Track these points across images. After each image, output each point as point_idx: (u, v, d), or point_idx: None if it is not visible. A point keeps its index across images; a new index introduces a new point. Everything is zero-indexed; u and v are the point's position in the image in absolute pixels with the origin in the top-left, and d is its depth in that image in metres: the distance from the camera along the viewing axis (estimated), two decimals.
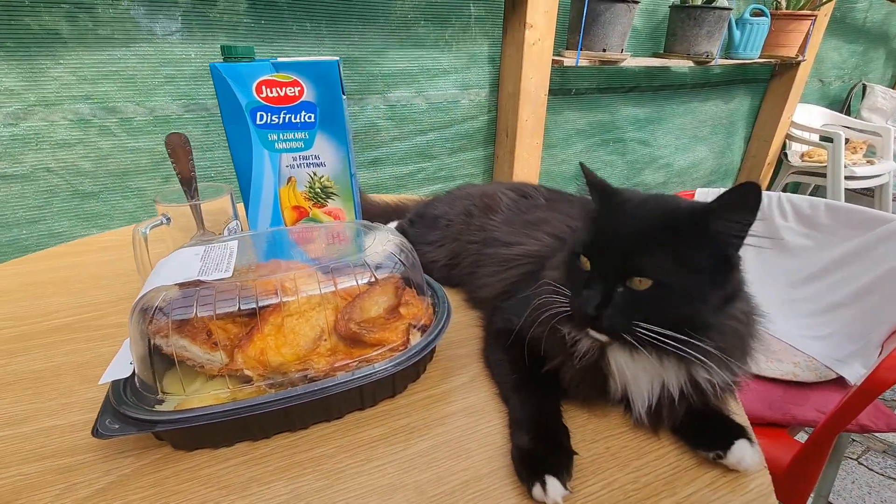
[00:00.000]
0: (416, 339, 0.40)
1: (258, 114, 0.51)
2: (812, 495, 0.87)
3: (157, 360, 0.36)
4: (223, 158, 1.28)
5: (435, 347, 0.41)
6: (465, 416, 0.38)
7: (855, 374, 0.77)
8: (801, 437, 0.96)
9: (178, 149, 0.48)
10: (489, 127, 1.70)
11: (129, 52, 1.15)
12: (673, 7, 1.55)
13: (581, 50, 1.45)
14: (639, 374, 0.36)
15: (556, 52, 1.52)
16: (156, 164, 1.23)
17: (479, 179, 1.77)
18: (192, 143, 1.19)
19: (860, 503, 1.04)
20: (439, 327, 0.41)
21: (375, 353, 0.39)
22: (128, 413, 0.32)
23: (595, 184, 0.39)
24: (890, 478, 1.11)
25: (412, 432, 0.37)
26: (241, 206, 0.56)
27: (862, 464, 1.14)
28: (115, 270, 0.64)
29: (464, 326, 0.49)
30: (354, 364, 0.38)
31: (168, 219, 0.49)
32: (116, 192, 1.23)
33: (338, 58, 0.51)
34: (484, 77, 1.62)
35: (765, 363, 0.83)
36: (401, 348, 0.40)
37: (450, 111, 1.60)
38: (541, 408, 0.37)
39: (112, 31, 1.11)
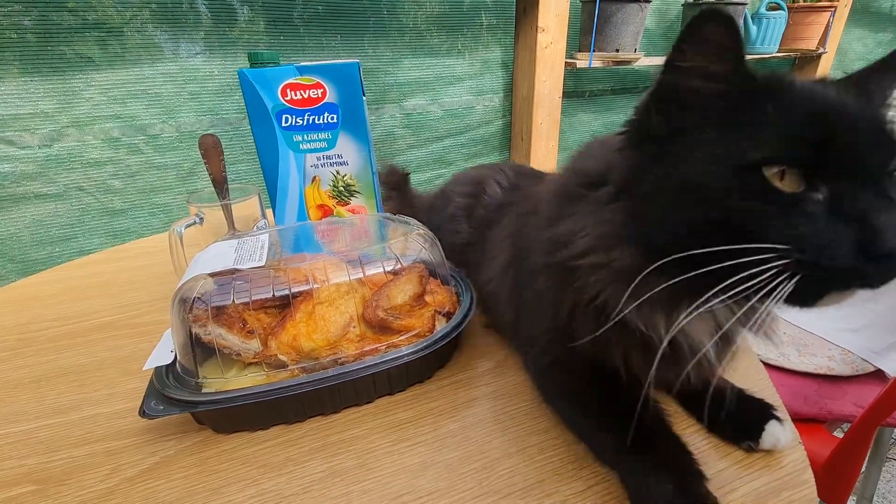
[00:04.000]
0: (441, 325, 0.41)
1: (283, 116, 0.53)
2: (855, 496, 0.84)
3: (197, 348, 0.38)
4: (247, 171, 1.32)
5: (460, 335, 0.42)
6: (492, 400, 0.39)
7: (894, 365, 0.75)
8: (840, 434, 0.93)
9: (211, 150, 0.51)
10: (504, 131, 1.72)
11: (155, 72, 1.20)
12: (686, 5, 1.55)
13: (594, 51, 1.45)
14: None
15: (569, 55, 1.53)
16: (181, 180, 1.28)
17: None
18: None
19: None
20: (464, 314, 0.42)
21: (402, 338, 0.40)
22: (171, 395, 0.34)
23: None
24: None
25: (441, 415, 0.38)
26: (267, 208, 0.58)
27: None
28: (149, 274, 0.67)
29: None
30: (383, 349, 0.39)
31: (201, 218, 0.51)
32: (144, 208, 1.27)
33: (357, 60, 0.53)
34: (497, 82, 1.64)
35: (797, 357, 0.81)
36: (426, 334, 0.40)
37: (465, 117, 1.62)
38: (677, 464, 0.29)
39: (139, 54, 1.16)
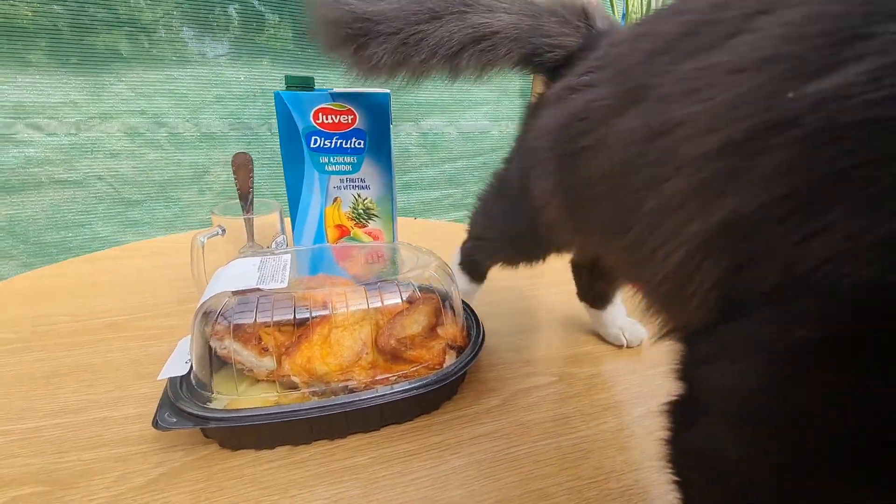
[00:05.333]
0: (451, 359, 0.42)
1: (313, 138, 0.54)
2: None
3: (208, 357, 0.39)
4: (261, 175, 1.34)
5: (468, 369, 0.43)
6: (496, 439, 0.40)
7: None
8: None
9: (242, 167, 0.52)
10: None
11: (184, 73, 1.23)
12: None
13: None
14: None
15: None
16: (197, 177, 1.30)
17: None
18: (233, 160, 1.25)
19: None
20: (475, 350, 0.43)
21: (412, 369, 0.41)
22: (185, 408, 0.34)
23: None
24: None
25: (445, 449, 0.38)
26: (286, 220, 0.59)
27: None
28: (159, 276, 0.68)
29: (493, 351, 0.51)
30: (393, 378, 0.39)
31: (223, 230, 0.52)
32: (159, 201, 1.29)
33: (388, 90, 0.55)
34: (515, 109, 1.67)
35: None
36: (436, 367, 0.41)
37: (480, 141, 1.64)
38: None
39: (167, 52, 1.19)
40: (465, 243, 0.54)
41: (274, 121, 1.34)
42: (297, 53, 1.34)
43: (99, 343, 0.51)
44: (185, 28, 1.20)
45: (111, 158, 1.20)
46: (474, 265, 0.54)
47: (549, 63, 0.39)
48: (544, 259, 0.48)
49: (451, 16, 0.38)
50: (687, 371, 0.21)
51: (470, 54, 0.39)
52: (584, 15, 0.38)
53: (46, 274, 0.69)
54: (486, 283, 0.66)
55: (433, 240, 0.87)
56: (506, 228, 0.48)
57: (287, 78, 0.53)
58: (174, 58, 1.20)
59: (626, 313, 0.54)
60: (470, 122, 1.61)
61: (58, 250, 1.22)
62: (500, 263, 0.51)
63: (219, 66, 1.25)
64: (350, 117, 0.54)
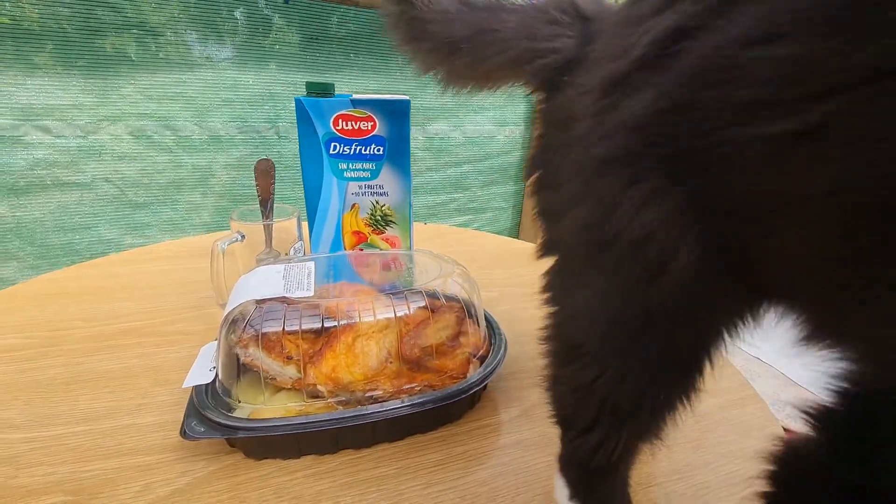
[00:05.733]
0: (475, 368, 0.42)
1: (332, 144, 0.54)
2: None
3: (234, 365, 0.39)
4: None
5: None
6: (521, 449, 0.39)
7: None
8: None
9: (265, 173, 0.52)
10: (522, 163, 1.75)
11: (191, 76, 1.23)
12: None
13: None
14: None
15: None
16: (202, 181, 1.30)
17: (508, 213, 1.80)
18: (242, 163, 1.25)
19: None
20: (497, 358, 0.43)
21: (437, 379, 0.40)
22: (213, 418, 0.34)
23: None
24: None
25: (470, 460, 0.38)
26: (304, 227, 0.59)
27: None
28: (171, 280, 0.68)
29: (513, 359, 0.51)
30: (418, 388, 0.39)
31: (243, 236, 0.52)
32: (165, 203, 1.29)
33: (408, 97, 0.55)
34: (520, 114, 1.67)
35: None
36: (460, 376, 0.41)
37: (485, 146, 1.65)
38: None
39: (175, 55, 1.19)
40: (567, 451, 0.32)
41: (281, 124, 1.35)
42: (303, 57, 1.34)
43: (116, 349, 0.51)
44: (191, 31, 1.20)
45: (118, 161, 1.20)
46: (600, 475, 0.31)
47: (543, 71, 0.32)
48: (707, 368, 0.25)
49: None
50: None
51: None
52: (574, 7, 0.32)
53: (56, 278, 0.69)
54: (506, 289, 0.65)
55: (444, 245, 0.88)
56: (629, 347, 0.26)
57: (308, 84, 0.53)
58: (181, 61, 1.21)
59: None
60: (475, 126, 1.61)
61: (64, 252, 1.21)
62: (642, 437, 0.29)
63: (226, 69, 1.26)
64: (370, 124, 0.54)
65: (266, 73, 1.31)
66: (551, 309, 0.31)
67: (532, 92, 0.34)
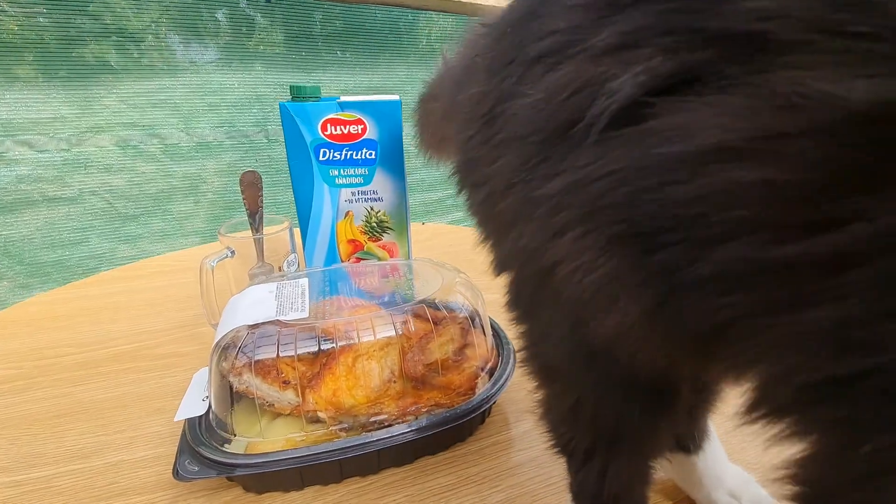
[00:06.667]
0: (483, 383, 0.40)
1: (321, 150, 0.52)
2: None
3: (228, 395, 0.36)
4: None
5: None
6: (534, 468, 0.37)
7: None
8: None
9: (251, 186, 0.50)
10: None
11: (175, 82, 1.20)
12: None
13: None
14: None
15: None
16: (193, 188, 1.27)
17: None
18: (230, 169, 1.22)
19: None
20: (507, 371, 0.40)
21: (444, 396, 0.38)
22: (207, 455, 0.32)
23: None
24: None
25: (483, 482, 0.36)
26: (296, 235, 0.57)
27: None
28: (167, 296, 0.66)
29: (522, 367, 0.49)
30: (425, 408, 0.37)
31: (232, 252, 0.49)
32: (155, 214, 1.26)
33: (398, 97, 0.52)
34: None
35: None
36: (469, 392, 0.39)
37: None
38: None
39: (157, 61, 1.16)
40: (575, 482, 0.29)
41: (270, 127, 1.31)
42: (290, 57, 1.31)
43: (106, 376, 0.49)
44: (173, 35, 1.17)
45: (105, 173, 1.17)
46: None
47: None
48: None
49: None
50: None
51: None
52: None
53: (45, 300, 0.66)
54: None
55: (444, 245, 0.85)
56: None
57: (293, 88, 0.50)
58: (164, 66, 1.17)
59: (727, 460, 0.34)
60: None
61: (55, 269, 1.19)
62: (646, 458, 0.27)
63: (210, 73, 1.22)
64: (360, 127, 0.51)
65: (252, 75, 1.28)
66: (522, 327, 0.28)
67: None
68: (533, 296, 0.26)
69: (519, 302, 0.28)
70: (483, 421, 0.41)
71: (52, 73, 1.06)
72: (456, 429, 0.37)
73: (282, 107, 0.49)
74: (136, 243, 1.26)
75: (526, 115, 0.21)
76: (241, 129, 1.29)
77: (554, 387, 0.27)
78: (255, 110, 1.29)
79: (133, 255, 1.24)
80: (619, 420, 0.24)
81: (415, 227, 0.85)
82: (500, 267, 0.29)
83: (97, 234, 1.21)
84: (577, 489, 0.29)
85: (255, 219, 0.51)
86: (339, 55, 1.37)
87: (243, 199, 0.49)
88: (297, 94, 0.50)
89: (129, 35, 1.12)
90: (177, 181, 1.25)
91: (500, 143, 0.23)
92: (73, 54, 1.07)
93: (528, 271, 0.24)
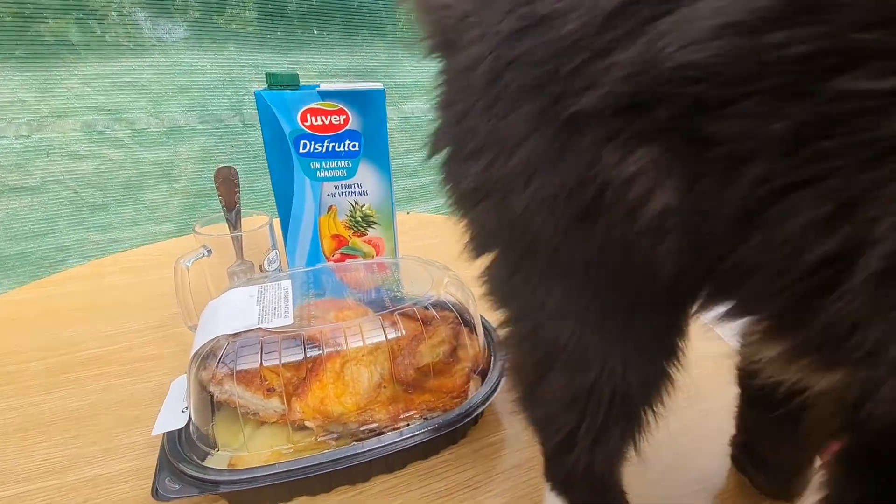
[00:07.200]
0: (477, 385, 0.39)
1: (301, 142, 0.49)
2: None
3: (208, 406, 0.35)
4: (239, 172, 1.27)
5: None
6: (529, 470, 0.37)
7: None
8: None
9: (226, 182, 0.47)
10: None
11: (142, 63, 1.13)
12: None
13: None
14: None
15: None
16: (165, 175, 1.22)
17: None
18: (204, 155, 1.17)
19: None
20: (500, 373, 0.40)
21: (436, 400, 0.37)
22: (189, 472, 0.30)
23: None
24: None
25: (477, 487, 0.35)
26: (277, 228, 0.54)
27: None
28: (139, 295, 0.63)
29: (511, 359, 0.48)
30: (417, 414, 0.36)
31: (209, 251, 0.47)
32: (126, 203, 1.21)
33: (382, 86, 0.50)
34: None
35: None
36: (461, 395, 0.38)
37: None
38: None
39: (123, 39, 1.09)
40: (569, 468, 0.28)
41: (246, 111, 1.26)
42: (264, 36, 1.25)
43: (77, 383, 0.46)
44: (138, 11, 1.10)
45: (69, 160, 1.11)
46: (596, 480, 0.29)
47: None
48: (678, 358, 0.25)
49: None
50: None
51: None
52: None
53: (7, 301, 0.62)
54: None
55: (431, 236, 0.83)
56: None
57: (268, 76, 0.47)
58: (130, 45, 1.11)
59: None
60: None
61: (20, 263, 1.13)
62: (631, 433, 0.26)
63: (179, 52, 1.16)
64: (342, 117, 0.49)
65: (224, 56, 1.22)
66: (509, 313, 0.27)
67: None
68: (542, 263, 0.24)
69: (511, 283, 0.26)
70: (476, 423, 0.41)
71: (8, 52, 0.99)
72: (449, 433, 0.36)
73: (258, 96, 0.46)
74: (105, 233, 1.21)
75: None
76: (215, 112, 1.23)
77: (560, 371, 0.25)
78: (228, 93, 1.24)
79: (103, 246, 1.19)
80: (644, 386, 0.24)
81: (399, 217, 0.83)
82: (484, 245, 0.27)
83: (64, 224, 1.15)
84: (564, 474, 0.29)
85: (233, 215, 0.48)
86: (316, 34, 1.32)
87: (219, 195, 0.46)
88: (274, 81, 0.47)
89: (91, 11, 1.05)
90: (147, 168, 1.19)
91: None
92: (30, 31, 1.00)
93: (554, 217, 0.21)
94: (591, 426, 0.25)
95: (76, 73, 1.07)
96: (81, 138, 1.11)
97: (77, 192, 1.15)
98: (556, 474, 0.30)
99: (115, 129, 1.14)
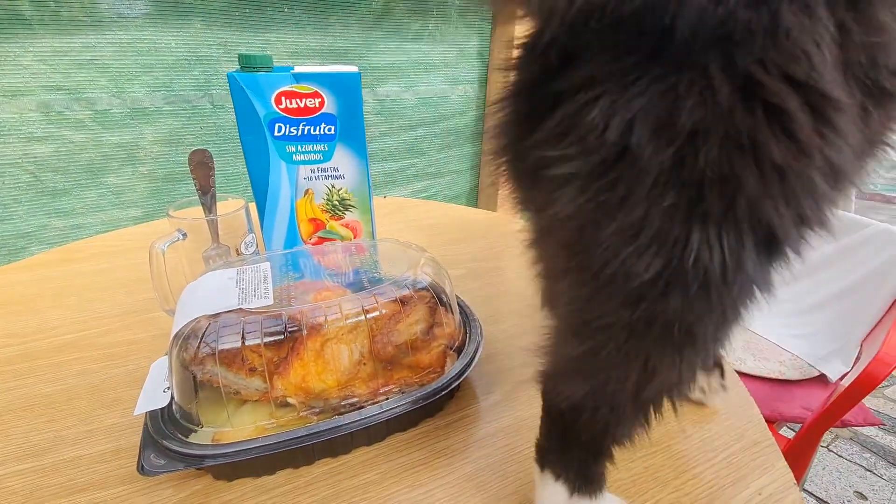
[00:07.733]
0: (452, 361, 0.41)
1: (276, 125, 0.49)
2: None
3: (191, 385, 0.35)
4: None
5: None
6: (504, 437, 0.39)
7: (835, 371, 0.83)
8: (786, 431, 1.01)
9: (201, 165, 0.46)
10: (478, 123, 1.70)
11: (102, 40, 1.09)
12: None
13: None
14: None
15: None
16: (130, 158, 1.18)
17: (467, 176, 1.77)
18: (171, 138, 1.13)
19: (830, 488, 1.12)
20: (474, 347, 0.41)
21: (414, 376, 0.39)
22: (173, 448, 0.31)
23: None
24: (857, 464, 1.19)
25: (454, 455, 0.37)
26: (253, 211, 0.54)
27: (832, 451, 1.23)
28: (112, 280, 0.62)
29: (490, 341, 0.50)
30: (395, 390, 0.38)
31: (184, 234, 0.47)
32: (89, 187, 1.17)
33: (357, 69, 0.50)
34: (473, 72, 1.61)
35: (752, 362, 0.87)
36: (438, 370, 0.40)
37: (439, 106, 1.59)
38: None
39: (79, 13, 1.04)
40: (548, 428, 0.31)
41: (215, 91, 1.23)
42: (231, 14, 1.21)
43: (52, 368, 0.46)
44: None
45: (26, 142, 1.06)
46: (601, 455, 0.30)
47: None
48: None
49: None
50: None
51: None
52: None
53: None
54: (473, 265, 0.63)
55: (408, 220, 0.85)
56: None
57: (241, 57, 0.47)
58: (87, 20, 1.06)
59: None
60: (428, 86, 1.54)
61: None
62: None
63: (141, 29, 1.11)
64: (317, 100, 0.49)
65: (189, 33, 1.17)
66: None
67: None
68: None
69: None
70: (452, 396, 0.43)
71: None
72: (426, 406, 0.38)
73: (230, 77, 0.46)
74: (68, 218, 1.17)
75: None
76: (181, 93, 1.19)
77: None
78: (195, 73, 1.20)
79: (66, 232, 1.15)
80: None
81: (376, 200, 0.84)
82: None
83: (23, 209, 1.11)
84: (566, 441, 0.29)
85: (208, 199, 0.48)
86: (288, 13, 1.28)
87: (193, 178, 0.46)
88: (248, 63, 0.47)
89: None
90: (110, 150, 1.15)
91: None
92: None
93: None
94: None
95: (30, 49, 1.02)
96: (39, 119, 1.06)
97: (36, 176, 1.10)
98: (548, 444, 0.30)
99: (75, 110, 1.10)
